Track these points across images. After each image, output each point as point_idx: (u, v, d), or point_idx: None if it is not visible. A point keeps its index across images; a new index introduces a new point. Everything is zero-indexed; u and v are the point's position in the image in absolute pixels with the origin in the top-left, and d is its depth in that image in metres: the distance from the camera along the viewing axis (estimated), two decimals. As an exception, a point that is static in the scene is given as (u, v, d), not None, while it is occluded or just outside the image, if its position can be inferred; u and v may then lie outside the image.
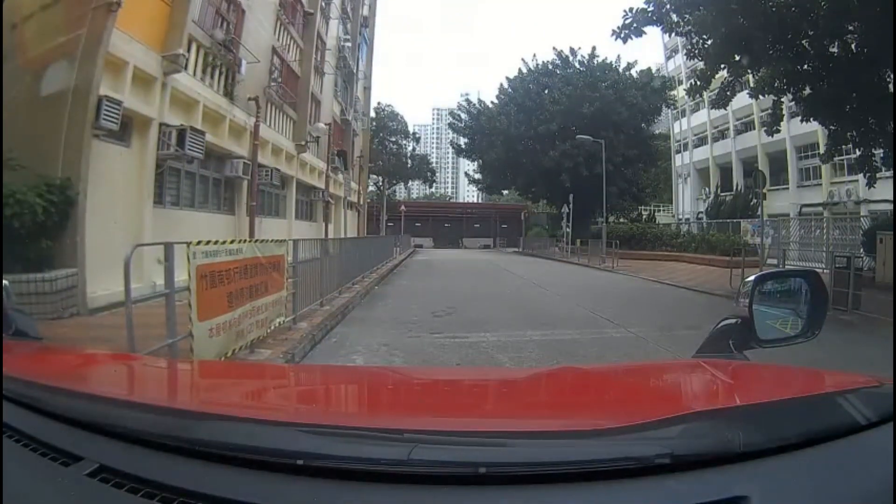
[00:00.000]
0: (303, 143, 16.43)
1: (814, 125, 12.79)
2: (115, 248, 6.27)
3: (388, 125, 43.51)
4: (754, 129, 27.69)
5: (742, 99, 14.22)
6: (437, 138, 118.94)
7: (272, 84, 14.13)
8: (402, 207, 40.99)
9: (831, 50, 9.83)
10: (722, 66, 10.86)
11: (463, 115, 38.52)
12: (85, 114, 6.86)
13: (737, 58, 10.29)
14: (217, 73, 11.11)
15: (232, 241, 4.88)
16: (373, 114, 36.38)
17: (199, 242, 4.07)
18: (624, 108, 29.61)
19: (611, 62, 32.48)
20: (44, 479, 0.78)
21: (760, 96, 11.91)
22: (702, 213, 30.71)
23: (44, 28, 7.14)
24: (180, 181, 10.11)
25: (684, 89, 19.96)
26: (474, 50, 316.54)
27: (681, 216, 35.71)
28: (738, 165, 30.66)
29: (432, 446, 0.72)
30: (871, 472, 0.71)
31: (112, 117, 7.12)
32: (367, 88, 30.20)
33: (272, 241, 6.07)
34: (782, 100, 11.53)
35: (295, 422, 0.85)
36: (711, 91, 11.85)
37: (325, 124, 18.21)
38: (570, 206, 26.35)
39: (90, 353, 2.00)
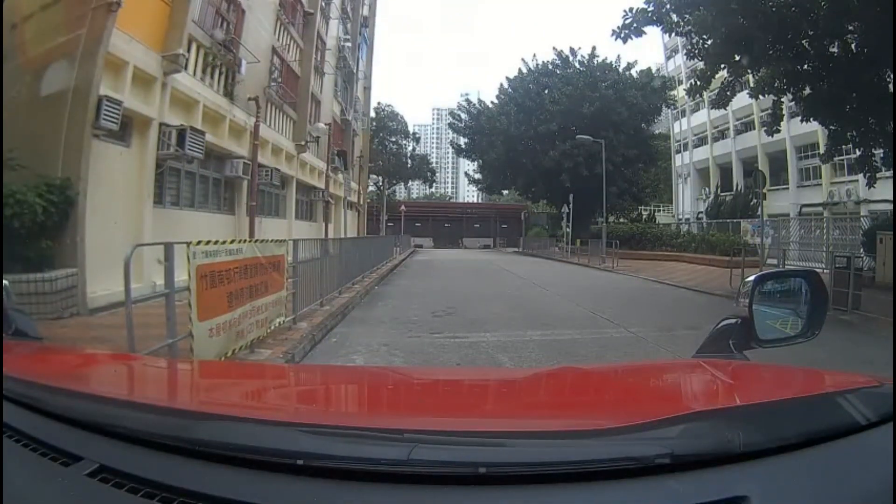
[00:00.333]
0: (303, 143, 16.42)
1: (814, 125, 12.76)
2: (115, 248, 6.29)
3: (388, 125, 43.51)
4: (754, 129, 27.69)
5: (742, 99, 14.21)
6: (437, 138, 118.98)
7: (272, 84, 14.11)
8: (402, 207, 40.95)
9: (831, 50, 9.82)
10: (722, 66, 10.84)
11: (463, 115, 38.53)
12: (85, 114, 6.86)
13: (737, 58, 10.28)
14: (217, 73, 11.10)
15: (232, 241, 4.88)
16: (373, 114, 36.38)
17: (198, 242, 4.07)
18: (624, 108, 29.60)
19: (611, 62, 32.48)
20: (44, 479, 0.78)
21: (760, 96, 11.89)
22: (702, 213, 30.72)
23: (44, 28, 7.13)
24: (180, 181, 10.10)
25: (684, 89, 19.93)
26: (474, 50, 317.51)
27: (681, 216, 35.71)
28: (738, 165, 30.64)
29: (432, 446, 0.72)
30: (871, 472, 0.71)
31: (112, 117, 7.12)
32: (367, 88, 30.18)
33: (272, 241, 6.07)
34: (782, 100, 11.51)
35: (295, 422, 0.85)
36: (711, 91, 11.82)
37: (325, 124, 18.19)
38: (570, 206, 26.37)
39: (90, 353, 2.01)
